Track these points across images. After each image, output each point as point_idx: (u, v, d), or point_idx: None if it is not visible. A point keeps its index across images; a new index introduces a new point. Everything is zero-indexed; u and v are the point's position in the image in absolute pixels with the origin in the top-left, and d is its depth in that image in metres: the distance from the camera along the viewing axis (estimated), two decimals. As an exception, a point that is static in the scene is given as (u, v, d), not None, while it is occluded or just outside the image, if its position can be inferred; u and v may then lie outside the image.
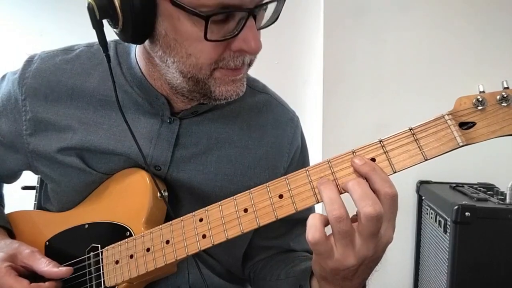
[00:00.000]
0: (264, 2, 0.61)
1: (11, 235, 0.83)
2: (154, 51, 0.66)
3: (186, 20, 0.59)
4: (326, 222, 0.54)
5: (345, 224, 0.52)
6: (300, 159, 0.87)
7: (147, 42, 0.67)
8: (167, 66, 0.66)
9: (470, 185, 1.62)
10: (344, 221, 0.52)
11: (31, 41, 1.98)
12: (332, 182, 0.56)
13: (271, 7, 0.64)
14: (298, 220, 0.84)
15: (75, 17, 1.84)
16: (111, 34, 0.75)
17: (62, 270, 0.72)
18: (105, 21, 0.64)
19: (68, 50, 0.81)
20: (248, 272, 0.89)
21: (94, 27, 0.64)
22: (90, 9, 0.61)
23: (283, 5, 0.64)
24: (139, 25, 0.61)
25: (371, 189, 0.53)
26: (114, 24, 0.63)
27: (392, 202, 0.53)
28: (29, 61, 0.79)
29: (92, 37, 0.78)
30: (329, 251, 0.54)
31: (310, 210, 0.60)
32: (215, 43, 0.60)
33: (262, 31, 0.65)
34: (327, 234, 0.55)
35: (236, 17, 0.60)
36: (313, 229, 0.54)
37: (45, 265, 0.72)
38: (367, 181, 0.54)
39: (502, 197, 1.40)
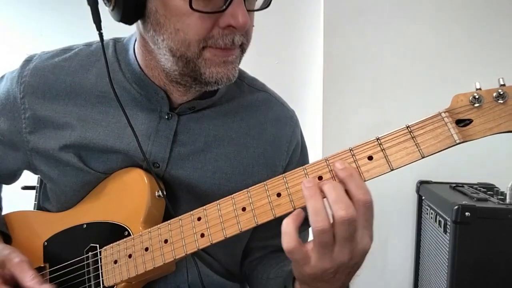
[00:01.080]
0: None
1: (9, 237, 0.83)
2: (146, 31, 0.67)
3: None
4: (299, 228, 0.55)
5: (328, 236, 0.52)
6: (300, 159, 0.87)
7: (140, 25, 0.68)
8: (158, 47, 0.67)
9: (470, 185, 1.61)
10: (327, 233, 0.52)
11: (31, 41, 1.98)
12: (318, 192, 0.54)
13: None
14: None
15: (75, 18, 1.84)
16: (110, 34, 0.76)
17: None
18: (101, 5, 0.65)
19: (67, 49, 0.81)
20: (243, 270, 0.89)
21: (89, 3, 0.66)
22: None
23: None
24: (131, 2, 0.63)
25: (348, 195, 0.53)
26: (107, 1, 0.64)
27: (365, 208, 0.53)
28: (28, 60, 0.79)
29: (92, 38, 0.78)
30: (305, 258, 0.54)
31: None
32: (202, 17, 0.61)
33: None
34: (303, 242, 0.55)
35: None
36: (287, 238, 0.54)
37: (29, 279, 0.69)
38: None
39: (502, 197, 1.40)
